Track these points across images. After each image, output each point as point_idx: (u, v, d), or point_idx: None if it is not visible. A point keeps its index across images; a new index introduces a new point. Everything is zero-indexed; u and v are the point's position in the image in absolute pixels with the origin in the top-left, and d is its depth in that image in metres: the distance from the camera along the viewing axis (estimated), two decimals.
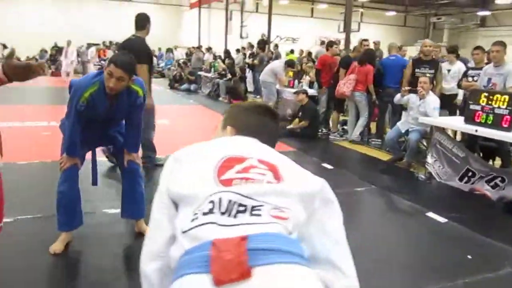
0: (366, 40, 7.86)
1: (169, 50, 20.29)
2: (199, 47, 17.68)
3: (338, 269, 1.09)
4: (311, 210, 1.09)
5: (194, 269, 0.86)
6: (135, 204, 3.05)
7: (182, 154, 1.14)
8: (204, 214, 0.95)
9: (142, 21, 4.55)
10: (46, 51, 20.88)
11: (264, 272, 0.85)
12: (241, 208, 0.96)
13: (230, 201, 0.96)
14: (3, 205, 1.94)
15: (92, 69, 14.81)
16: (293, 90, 8.09)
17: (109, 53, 15.17)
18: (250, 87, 12.63)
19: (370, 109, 6.93)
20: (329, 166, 5.39)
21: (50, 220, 2.97)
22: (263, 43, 13.81)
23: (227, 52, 14.53)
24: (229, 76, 11.66)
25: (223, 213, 0.95)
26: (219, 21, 21.77)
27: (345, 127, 7.54)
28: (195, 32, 22.44)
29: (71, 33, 20.95)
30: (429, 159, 4.92)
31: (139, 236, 3.03)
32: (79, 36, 20.34)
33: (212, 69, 12.97)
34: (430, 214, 3.82)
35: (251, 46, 14.69)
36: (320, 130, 7.54)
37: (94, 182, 3.01)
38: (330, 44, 7.99)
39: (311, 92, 8.16)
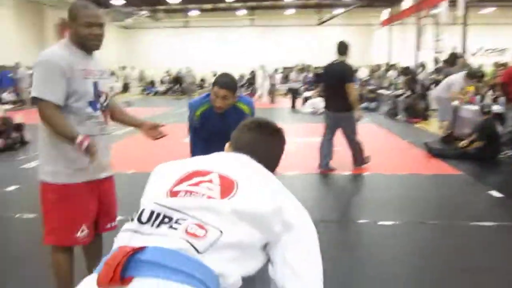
0: None
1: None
2: (387, 64, 17.24)
3: None
4: (272, 234, 1.07)
5: (97, 269, 0.95)
6: None
7: (161, 168, 1.25)
8: (131, 220, 1.04)
9: (345, 48, 5.51)
10: (243, 77, 23.39)
11: (140, 283, 0.89)
12: (166, 220, 1.01)
13: (153, 212, 1.02)
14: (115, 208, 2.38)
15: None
16: (473, 107, 7.21)
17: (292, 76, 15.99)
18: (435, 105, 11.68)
19: None
20: (497, 194, 4.63)
21: None
22: (453, 56, 12.63)
23: (406, 68, 13.79)
24: (408, 93, 11.05)
25: (144, 223, 1.01)
26: (411, 37, 20.86)
27: None
28: (385, 49, 21.98)
29: (266, 56, 23.13)
30: None
31: None
32: (274, 60, 22.19)
33: (393, 86, 12.49)
34: None
35: (436, 61, 13.62)
36: (504, 153, 6.51)
37: None
38: None
39: (496, 108, 7.13)
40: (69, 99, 2.10)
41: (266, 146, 1.32)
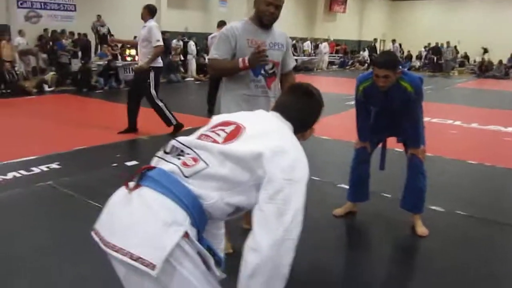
0: None
1: None
2: None
3: (253, 233, 1.25)
4: (258, 176, 1.29)
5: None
6: (412, 198, 3.14)
7: (213, 118, 1.54)
8: (162, 151, 1.40)
9: None
10: None
11: (143, 189, 1.26)
12: (180, 152, 1.34)
13: (173, 146, 1.37)
14: None
15: None
16: None
17: None
18: None
19: None
20: None
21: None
22: None
23: None
24: None
25: (167, 153, 1.37)
26: None
27: None
28: None
29: None
30: None
31: (405, 228, 3.12)
32: None
33: None
34: None
35: None
36: None
37: (382, 167, 3.31)
38: None
39: None
40: None
41: (297, 106, 1.50)
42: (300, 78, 15.18)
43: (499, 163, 5.02)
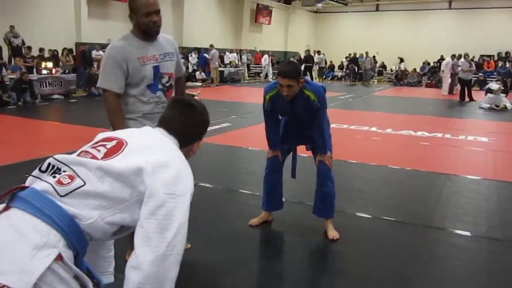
0: None
1: None
2: None
3: (134, 251, 1.22)
4: (140, 192, 1.27)
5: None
6: (322, 204, 3.25)
7: (100, 134, 1.51)
8: (37, 169, 1.33)
9: None
10: (428, 63, 21.70)
11: (12, 211, 1.20)
12: (56, 170, 1.28)
13: (49, 164, 1.31)
14: None
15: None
16: None
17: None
18: None
19: None
20: None
21: None
22: None
23: None
24: None
25: (42, 171, 1.30)
26: None
27: None
28: None
29: (461, 42, 20.92)
30: None
31: (318, 234, 3.23)
32: (473, 48, 19.82)
33: None
34: None
35: None
36: None
37: (293, 175, 3.41)
38: None
39: None
40: (129, 85, 2.44)
41: (179, 119, 1.50)
42: (228, 89, 15.26)
43: (414, 166, 5.36)
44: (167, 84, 2.58)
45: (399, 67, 22.79)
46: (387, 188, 4.56)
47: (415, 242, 3.25)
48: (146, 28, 2.40)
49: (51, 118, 9.26)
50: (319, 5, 26.52)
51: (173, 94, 2.66)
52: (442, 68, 16.40)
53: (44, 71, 11.68)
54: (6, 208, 1.20)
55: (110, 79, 2.40)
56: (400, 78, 20.75)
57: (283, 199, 3.48)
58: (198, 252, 2.87)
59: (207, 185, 4.33)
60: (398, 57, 23.91)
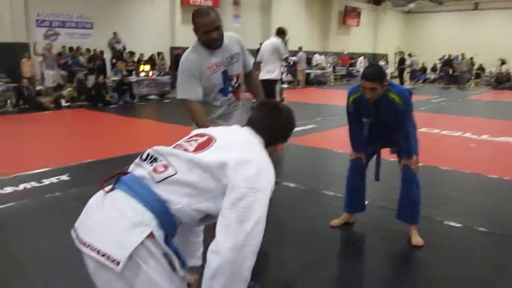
0: None
1: None
2: None
3: (215, 238, 1.34)
4: (223, 184, 1.37)
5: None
6: (407, 209, 3.17)
7: (194, 130, 1.65)
8: (139, 158, 1.49)
9: None
10: None
11: (115, 192, 1.37)
12: (154, 159, 1.43)
13: (148, 154, 1.46)
14: None
15: None
16: None
17: None
18: None
19: None
20: None
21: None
22: None
23: None
24: None
25: (143, 160, 1.46)
26: None
27: None
28: None
29: None
30: None
31: (401, 239, 3.16)
32: None
33: None
34: None
35: None
36: None
37: (377, 178, 3.36)
38: None
39: None
40: (202, 93, 2.60)
41: (266, 121, 1.58)
42: (314, 91, 15.22)
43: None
44: (236, 85, 2.74)
45: (500, 69, 21.07)
46: (480, 197, 4.29)
47: (505, 255, 3.05)
48: (207, 43, 2.56)
49: (147, 116, 9.98)
50: (412, 5, 25.42)
51: (242, 92, 2.81)
52: None
53: (142, 74, 12.60)
54: (111, 189, 1.38)
55: (189, 89, 2.58)
56: (501, 81, 19.18)
57: (366, 202, 3.45)
58: (277, 249, 2.95)
59: (291, 184, 4.41)
60: (499, 59, 22.12)
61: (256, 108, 1.67)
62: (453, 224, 3.51)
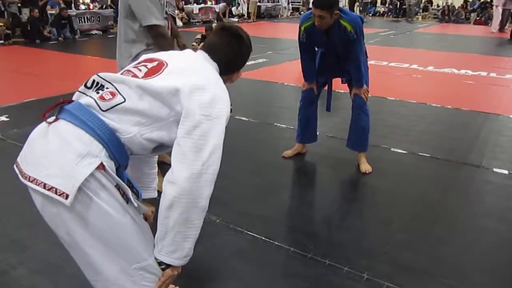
0: None
1: None
2: None
3: (171, 168, 1.29)
4: (177, 112, 1.30)
5: None
6: (356, 137, 3.26)
7: (143, 55, 1.54)
8: (83, 85, 1.37)
9: None
10: None
11: (59, 122, 1.27)
12: (100, 86, 1.33)
13: (94, 80, 1.35)
14: None
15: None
16: None
17: None
18: None
19: None
20: None
21: None
22: None
23: None
24: None
25: (88, 87, 1.35)
26: None
27: None
28: None
29: None
30: None
31: (351, 167, 3.26)
32: None
33: None
34: None
35: None
36: None
37: (328, 108, 3.40)
38: None
39: None
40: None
41: (226, 48, 1.49)
42: (265, 25, 14.87)
43: (454, 104, 5.20)
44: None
45: (446, 2, 21.39)
46: (424, 125, 4.47)
47: (448, 177, 3.24)
48: None
49: (91, 53, 9.42)
50: None
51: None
52: (494, 2, 15.26)
53: (82, 6, 11.73)
54: (55, 120, 1.28)
55: (157, 15, 2.57)
56: (447, 14, 19.54)
57: (317, 133, 3.50)
58: (231, 180, 2.97)
59: (243, 118, 4.39)
60: None
61: (215, 33, 1.54)
62: (399, 151, 3.66)
